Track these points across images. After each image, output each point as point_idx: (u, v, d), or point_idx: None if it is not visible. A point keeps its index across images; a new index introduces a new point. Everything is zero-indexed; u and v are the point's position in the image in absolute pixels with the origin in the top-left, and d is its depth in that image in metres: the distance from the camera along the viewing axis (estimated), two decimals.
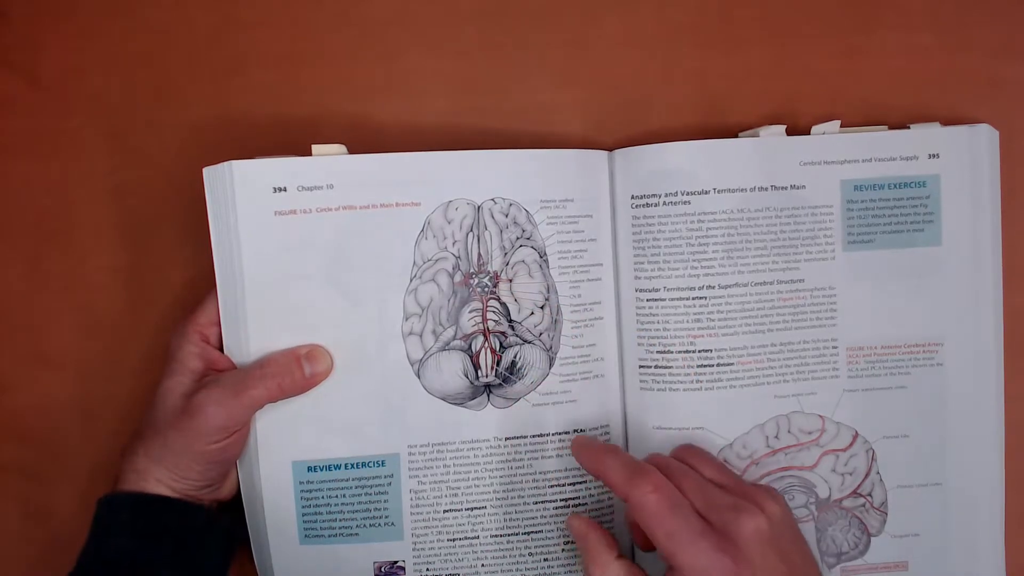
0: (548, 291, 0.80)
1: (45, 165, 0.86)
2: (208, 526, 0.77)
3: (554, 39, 0.87)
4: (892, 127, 0.83)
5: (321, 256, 0.77)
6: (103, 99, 0.86)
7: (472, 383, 0.80)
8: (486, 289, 0.79)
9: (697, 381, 0.80)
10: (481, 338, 0.79)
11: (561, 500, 0.82)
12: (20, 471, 0.87)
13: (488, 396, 0.80)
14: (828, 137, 0.81)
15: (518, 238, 0.80)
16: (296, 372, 0.76)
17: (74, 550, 0.74)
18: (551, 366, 0.81)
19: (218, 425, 0.73)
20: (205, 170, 0.77)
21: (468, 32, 0.87)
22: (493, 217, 0.79)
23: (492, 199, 0.79)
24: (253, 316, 0.77)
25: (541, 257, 0.80)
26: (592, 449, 0.75)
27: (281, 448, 0.79)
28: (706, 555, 0.67)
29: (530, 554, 0.81)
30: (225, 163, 0.76)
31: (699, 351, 0.80)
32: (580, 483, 0.82)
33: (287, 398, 0.76)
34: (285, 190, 0.76)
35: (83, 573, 0.74)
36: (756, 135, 0.82)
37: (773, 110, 0.87)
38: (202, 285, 0.80)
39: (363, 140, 0.85)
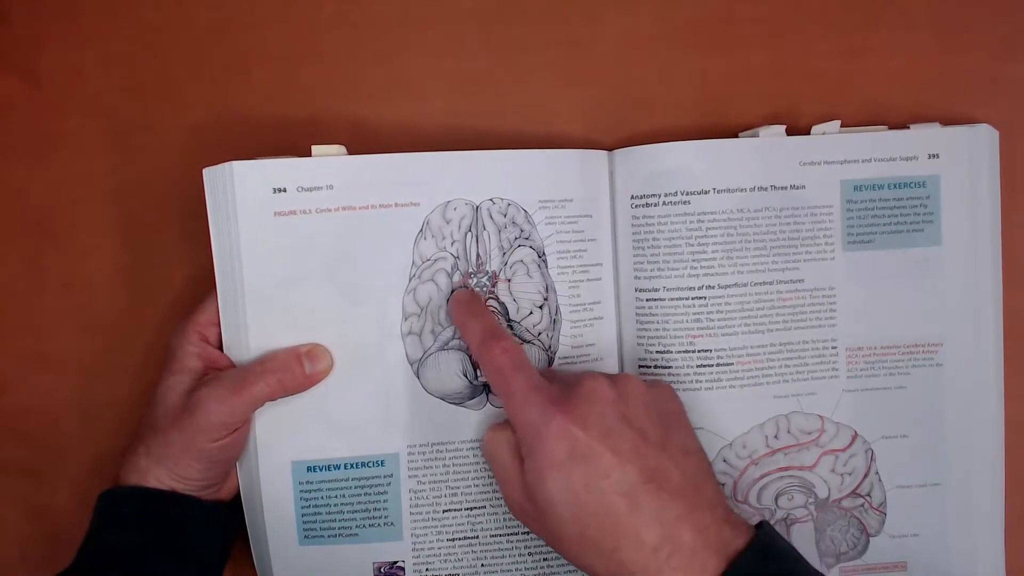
0: (547, 291, 0.80)
1: (45, 165, 0.86)
2: (206, 519, 0.77)
3: (554, 39, 0.87)
4: (892, 127, 0.83)
5: (320, 256, 0.77)
6: (103, 99, 0.86)
7: (471, 383, 0.80)
8: (485, 289, 0.79)
9: (696, 381, 0.80)
10: None
11: None
12: (20, 471, 0.87)
13: (487, 396, 0.80)
14: (828, 137, 0.81)
15: (516, 238, 0.80)
16: (296, 370, 0.76)
17: (74, 549, 0.74)
18: (550, 366, 0.81)
19: (218, 422, 0.73)
20: (205, 171, 0.77)
21: (468, 32, 0.87)
22: (491, 217, 0.79)
23: (490, 199, 0.79)
24: (252, 316, 0.77)
25: (540, 257, 0.80)
26: (462, 306, 0.77)
27: (280, 448, 0.79)
28: (537, 408, 0.68)
29: (530, 554, 0.81)
30: (225, 164, 0.76)
31: (698, 351, 0.80)
32: None
33: (287, 396, 0.76)
34: (285, 191, 0.76)
35: (83, 565, 0.74)
36: (756, 135, 0.82)
37: (773, 110, 0.87)
38: (202, 285, 0.80)
39: (363, 140, 0.85)
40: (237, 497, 0.81)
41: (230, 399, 0.73)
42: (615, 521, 0.66)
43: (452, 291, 0.79)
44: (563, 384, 0.71)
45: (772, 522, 0.82)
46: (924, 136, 0.81)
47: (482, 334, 0.73)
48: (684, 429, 0.73)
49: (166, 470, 0.74)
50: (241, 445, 0.77)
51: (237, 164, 0.76)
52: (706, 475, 0.71)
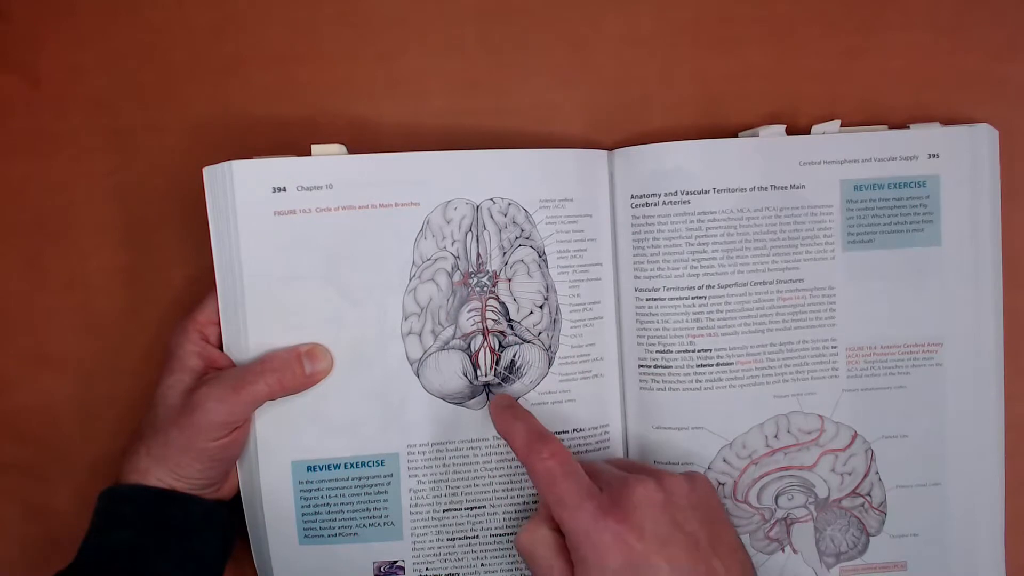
0: (547, 290, 0.80)
1: (45, 165, 0.86)
2: (207, 518, 0.77)
3: (554, 39, 0.87)
4: (892, 127, 0.83)
5: (320, 256, 0.77)
6: (103, 99, 0.86)
7: (471, 382, 0.80)
8: (485, 289, 0.79)
9: (696, 381, 0.80)
10: (480, 337, 0.79)
11: None
12: (20, 471, 0.87)
13: (487, 395, 0.80)
14: (828, 137, 0.81)
15: (517, 238, 0.80)
16: (296, 369, 0.76)
17: (74, 549, 0.74)
18: (550, 365, 0.81)
19: (219, 421, 0.73)
20: (205, 170, 0.77)
21: (468, 32, 0.87)
22: (492, 217, 0.79)
23: (491, 199, 0.79)
24: (252, 315, 0.77)
25: (540, 257, 0.80)
26: (504, 412, 0.75)
27: (280, 448, 0.79)
28: (590, 517, 0.68)
29: None
30: (225, 163, 0.76)
31: (698, 351, 0.80)
32: None
33: (287, 395, 0.77)
34: (285, 190, 0.76)
35: (83, 565, 0.74)
36: (756, 135, 0.82)
37: (773, 110, 0.87)
38: (202, 285, 0.80)
39: (363, 140, 0.85)
40: (238, 496, 0.81)
41: (230, 398, 0.73)
42: None
43: (453, 291, 0.79)
44: (611, 488, 0.70)
45: (772, 521, 0.82)
46: (924, 136, 0.81)
47: (527, 437, 0.72)
48: (727, 526, 0.73)
49: (167, 469, 0.74)
50: (241, 444, 0.77)
51: (237, 163, 0.76)
52: (751, 572, 0.71)
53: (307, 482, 0.79)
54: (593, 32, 0.87)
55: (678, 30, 0.87)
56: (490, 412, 0.77)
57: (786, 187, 0.80)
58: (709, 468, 0.81)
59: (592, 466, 0.74)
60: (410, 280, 0.78)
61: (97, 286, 0.87)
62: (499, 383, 0.80)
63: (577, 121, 0.87)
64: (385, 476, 0.80)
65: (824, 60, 0.87)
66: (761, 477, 0.82)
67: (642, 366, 0.82)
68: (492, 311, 0.79)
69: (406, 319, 0.79)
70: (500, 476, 0.81)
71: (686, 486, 0.71)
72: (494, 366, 0.80)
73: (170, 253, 0.86)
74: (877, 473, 0.82)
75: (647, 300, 0.81)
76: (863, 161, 0.81)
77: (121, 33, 0.86)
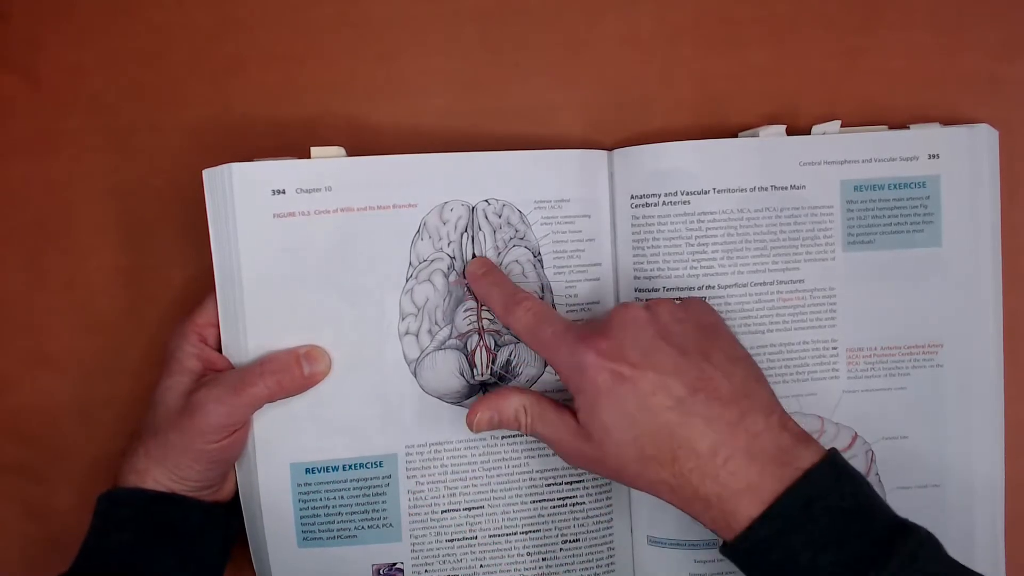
0: (542, 290, 0.80)
1: (45, 165, 0.86)
2: (206, 520, 0.77)
3: (554, 39, 0.87)
4: (892, 127, 0.83)
5: (319, 258, 0.78)
6: (103, 99, 0.86)
7: (468, 382, 0.80)
8: None
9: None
10: (476, 337, 0.80)
11: (559, 499, 0.82)
12: (20, 471, 0.87)
13: (484, 394, 0.80)
14: (828, 137, 0.81)
15: (511, 238, 0.80)
16: (295, 371, 0.76)
17: (74, 549, 0.74)
18: (546, 364, 0.81)
19: (218, 423, 0.73)
20: (205, 172, 0.77)
21: (468, 32, 0.87)
22: (487, 218, 0.79)
23: (486, 200, 0.80)
24: (251, 317, 0.77)
25: (535, 257, 0.80)
26: (480, 279, 0.78)
27: (279, 450, 0.79)
28: (571, 347, 0.70)
29: (528, 553, 0.81)
30: (224, 165, 0.76)
31: None
32: (577, 482, 0.82)
33: (286, 397, 0.76)
34: (284, 192, 0.76)
35: (83, 568, 0.74)
36: (756, 135, 0.82)
37: (773, 110, 0.87)
38: (202, 285, 0.80)
39: (362, 141, 0.85)
40: (237, 498, 0.81)
41: (229, 400, 0.74)
42: (668, 434, 0.67)
43: (449, 291, 0.79)
44: (595, 321, 0.73)
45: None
46: (924, 136, 0.81)
47: (504, 301, 0.75)
48: (726, 338, 0.73)
49: (165, 471, 0.74)
50: (241, 446, 0.77)
51: (236, 166, 0.76)
52: (756, 380, 0.71)
53: (306, 484, 0.79)
54: (593, 32, 0.87)
55: (678, 30, 0.87)
56: (467, 280, 0.79)
57: (786, 187, 0.80)
58: None
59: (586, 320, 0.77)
60: (407, 281, 0.79)
61: (97, 286, 0.87)
62: (496, 382, 0.80)
63: (577, 121, 0.87)
64: (384, 477, 0.80)
65: (824, 60, 0.87)
66: None
67: None
68: (487, 311, 0.79)
69: (403, 319, 0.79)
70: (498, 476, 0.81)
71: (674, 306, 0.73)
72: (490, 365, 0.80)
73: (170, 253, 0.86)
74: (877, 474, 0.82)
75: (647, 300, 0.81)
76: (863, 161, 0.81)
77: (121, 33, 0.86)
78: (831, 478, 0.66)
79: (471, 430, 0.74)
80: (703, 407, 0.67)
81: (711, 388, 0.68)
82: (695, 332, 0.71)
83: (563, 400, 0.73)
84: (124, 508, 0.75)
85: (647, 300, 0.75)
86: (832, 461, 0.67)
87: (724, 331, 0.74)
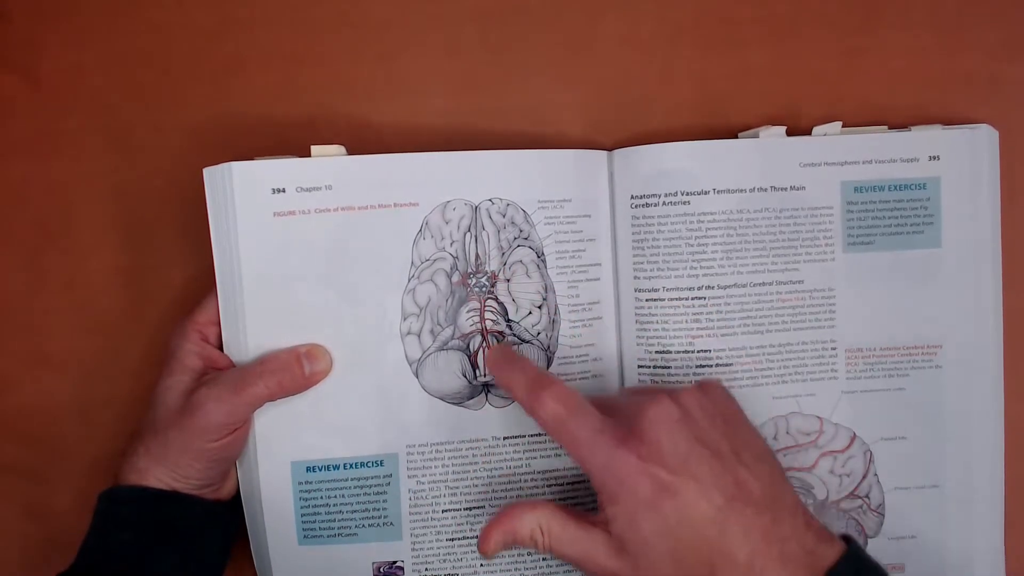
0: (546, 291, 0.80)
1: (45, 165, 0.86)
2: (207, 518, 0.77)
3: (554, 39, 0.87)
4: (893, 128, 0.83)
5: (319, 257, 0.78)
6: (103, 99, 0.86)
7: (470, 382, 0.80)
8: (484, 289, 0.79)
9: (696, 381, 0.80)
10: (479, 337, 0.80)
11: (559, 499, 0.82)
12: (20, 471, 0.87)
13: (486, 395, 0.80)
14: (828, 138, 0.81)
15: (515, 238, 0.80)
16: (296, 370, 0.76)
17: (74, 549, 0.74)
18: (549, 365, 0.81)
19: (218, 422, 0.73)
20: (205, 171, 0.77)
21: (468, 32, 0.87)
22: (491, 217, 0.79)
23: (490, 199, 0.79)
24: (252, 316, 0.77)
25: (539, 257, 0.80)
26: (502, 364, 0.75)
27: (280, 448, 0.79)
28: (607, 451, 0.67)
29: (528, 553, 0.81)
30: (225, 164, 0.76)
31: (698, 351, 0.80)
32: (579, 482, 0.82)
33: (287, 396, 0.77)
34: (284, 191, 0.76)
35: (84, 566, 0.74)
36: (756, 136, 0.82)
37: (773, 111, 0.87)
38: (202, 285, 0.80)
39: (362, 140, 0.85)
40: (238, 496, 0.81)
41: (230, 399, 0.74)
42: (708, 547, 0.65)
43: (452, 291, 0.79)
44: (624, 416, 0.70)
45: None
46: (925, 138, 0.81)
47: (528, 385, 0.71)
48: (749, 431, 0.72)
49: (166, 469, 0.74)
50: (241, 444, 0.77)
51: (236, 165, 0.76)
52: (781, 479, 0.70)
53: (306, 482, 0.79)
54: (593, 32, 0.87)
55: (678, 30, 0.87)
56: (488, 365, 0.78)
57: (786, 188, 0.81)
58: None
59: (602, 399, 0.73)
60: (409, 280, 0.79)
61: (97, 286, 0.87)
62: None
63: (577, 121, 0.87)
64: (384, 476, 0.80)
65: (824, 60, 0.87)
66: None
67: (641, 366, 0.82)
68: (491, 311, 0.79)
69: (405, 319, 0.79)
70: (500, 476, 0.81)
71: (700, 397, 0.71)
72: None
73: (170, 253, 0.86)
74: (876, 475, 0.82)
75: (647, 300, 0.81)
76: (863, 163, 0.81)
77: (121, 33, 0.86)
78: (852, 573, 0.66)
79: (484, 556, 0.71)
80: (739, 517, 0.66)
81: (746, 494, 0.67)
82: (723, 428, 0.70)
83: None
84: (124, 507, 0.75)
85: (670, 389, 0.72)
86: (851, 557, 0.66)
87: (745, 421, 0.73)
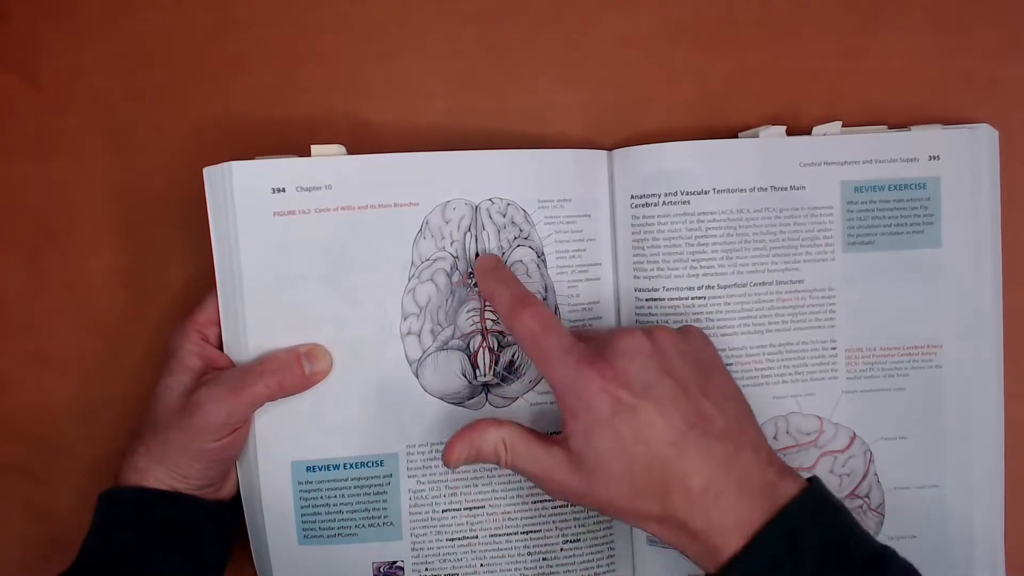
0: (546, 290, 0.80)
1: (45, 165, 0.86)
2: (207, 518, 0.77)
3: (554, 39, 0.87)
4: (893, 127, 0.83)
5: (320, 256, 0.78)
6: (103, 99, 0.86)
7: (470, 382, 0.80)
8: None
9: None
10: (479, 337, 0.80)
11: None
12: (20, 471, 0.87)
13: (486, 395, 0.80)
14: (828, 138, 0.81)
15: (515, 238, 0.80)
16: (296, 370, 0.76)
17: (74, 549, 0.74)
18: None
19: (218, 422, 0.73)
20: (205, 170, 0.77)
21: (468, 32, 0.87)
22: (491, 217, 0.79)
23: (490, 199, 0.80)
24: (252, 315, 0.77)
25: (539, 257, 0.80)
26: (488, 275, 0.77)
27: (280, 448, 0.79)
28: (573, 369, 0.69)
29: (529, 553, 0.81)
30: (224, 164, 0.76)
31: None
32: None
33: (287, 396, 0.77)
34: (284, 191, 0.76)
35: (84, 566, 0.74)
36: (756, 135, 0.82)
37: (773, 111, 0.87)
38: (202, 285, 0.80)
39: (363, 140, 0.85)
40: (238, 496, 0.81)
41: (229, 400, 0.74)
42: (663, 467, 0.66)
43: (452, 291, 0.79)
44: (598, 343, 0.71)
45: None
46: (925, 137, 0.81)
47: (510, 302, 0.73)
48: (721, 373, 0.73)
49: (166, 469, 0.74)
50: (241, 444, 0.77)
51: (236, 164, 0.76)
52: (747, 417, 0.72)
53: (307, 482, 0.79)
54: (593, 32, 0.87)
55: (678, 30, 0.87)
56: (475, 273, 0.79)
57: (786, 188, 0.81)
58: None
59: (585, 332, 0.77)
60: (409, 280, 0.79)
61: (97, 286, 0.87)
62: (498, 383, 0.80)
63: (577, 121, 0.87)
64: (384, 476, 0.80)
65: (824, 60, 0.87)
66: None
67: None
68: (491, 311, 0.79)
69: (405, 319, 0.79)
70: (499, 476, 0.81)
71: (676, 336, 0.72)
72: (493, 366, 0.80)
73: (170, 253, 0.86)
74: (876, 475, 0.82)
75: (647, 300, 0.81)
76: (863, 162, 0.81)
77: (121, 33, 0.86)
78: (810, 509, 0.67)
79: (448, 467, 0.73)
80: (699, 443, 0.67)
81: (707, 424, 0.68)
82: (694, 366, 0.71)
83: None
84: (124, 507, 0.75)
85: (647, 326, 0.74)
86: (812, 492, 0.67)
87: (720, 366, 0.74)
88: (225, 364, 0.78)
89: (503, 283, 0.75)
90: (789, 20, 0.87)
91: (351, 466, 0.79)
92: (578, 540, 0.82)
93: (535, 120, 0.87)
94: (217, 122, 0.86)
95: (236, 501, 0.81)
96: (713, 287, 0.80)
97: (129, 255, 0.86)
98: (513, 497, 0.81)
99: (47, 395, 0.87)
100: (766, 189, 0.80)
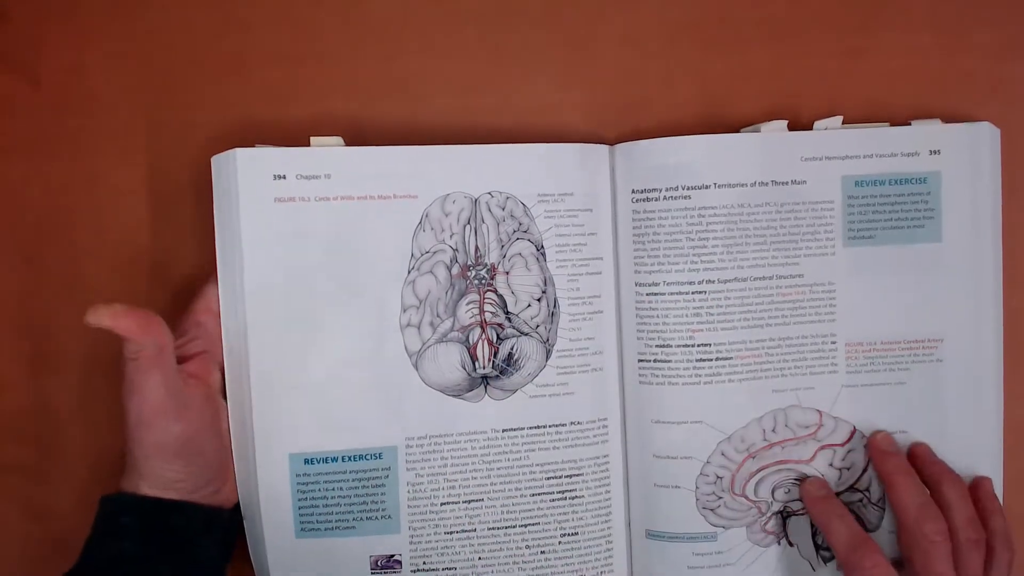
0: (545, 284, 0.81)
1: (45, 165, 0.86)
2: (208, 525, 0.77)
3: (554, 39, 0.87)
4: (893, 124, 0.83)
5: (320, 246, 0.78)
6: (103, 99, 0.86)
7: (469, 375, 0.80)
8: (483, 281, 0.80)
9: (696, 375, 0.80)
10: (478, 330, 0.80)
11: (558, 492, 0.82)
12: (20, 471, 0.87)
13: (485, 388, 0.80)
14: (829, 133, 0.82)
15: (515, 231, 0.80)
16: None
17: (74, 550, 0.74)
18: (548, 358, 0.81)
19: (150, 409, 0.74)
20: (213, 159, 0.79)
21: (468, 32, 0.87)
22: (490, 210, 0.80)
23: (489, 192, 0.80)
24: (251, 303, 0.78)
25: (538, 250, 0.80)
26: (822, 503, 0.80)
27: (278, 441, 0.79)
28: None
29: (527, 547, 0.81)
30: (229, 151, 0.77)
31: (698, 345, 0.80)
32: (577, 475, 0.82)
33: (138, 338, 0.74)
34: (285, 177, 0.77)
35: (85, 571, 0.74)
36: (757, 130, 0.82)
37: (774, 110, 0.87)
38: (202, 285, 0.80)
39: (363, 140, 0.85)
40: (237, 502, 0.81)
41: (135, 386, 0.74)
42: None
43: (451, 283, 0.79)
44: None
45: (768, 515, 0.83)
46: (925, 132, 0.82)
47: (851, 539, 0.77)
48: None
49: (148, 482, 0.74)
50: (204, 436, 0.77)
51: (240, 150, 0.77)
52: None
53: (304, 475, 0.79)
54: (593, 32, 0.87)
55: (678, 30, 0.87)
56: (803, 496, 0.81)
57: (787, 183, 0.81)
58: (707, 462, 0.81)
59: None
60: (409, 272, 0.79)
61: (97, 286, 0.86)
62: (497, 375, 0.80)
63: (577, 122, 0.87)
64: (383, 469, 0.80)
65: (824, 61, 0.87)
66: (759, 471, 0.82)
67: (641, 360, 0.82)
68: (490, 304, 0.80)
69: (405, 311, 0.79)
70: (498, 469, 0.81)
71: None
72: (492, 358, 0.80)
73: (171, 253, 0.86)
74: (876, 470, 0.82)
75: (647, 295, 0.81)
76: (864, 157, 0.81)
77: (121, 33, 0.86)
78: None
79: None
80: None
81: None
82: None
83: None
84: (125, 515, 0.75)
85: None
86: None
87: None
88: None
89: (841, 517, 0.79)
90: (789, 20, 0.87)
91: (349, 459, 0.79)
92: (576, 533, 0.82)
93: (535, 120, 0.87)
94: (217, 122, 0.86)
95: (238, 506, 0.81)
96: (714, 281, 0.80)
97: (129, 255, 0.86)
98: (512, 490, 0.81)
99: (47, 395, 0.87)
100: (767, 184, 0.80)
